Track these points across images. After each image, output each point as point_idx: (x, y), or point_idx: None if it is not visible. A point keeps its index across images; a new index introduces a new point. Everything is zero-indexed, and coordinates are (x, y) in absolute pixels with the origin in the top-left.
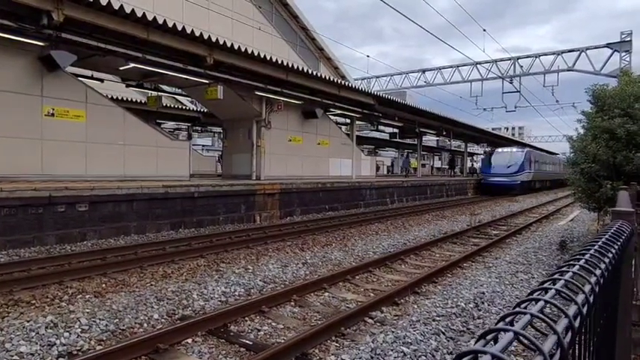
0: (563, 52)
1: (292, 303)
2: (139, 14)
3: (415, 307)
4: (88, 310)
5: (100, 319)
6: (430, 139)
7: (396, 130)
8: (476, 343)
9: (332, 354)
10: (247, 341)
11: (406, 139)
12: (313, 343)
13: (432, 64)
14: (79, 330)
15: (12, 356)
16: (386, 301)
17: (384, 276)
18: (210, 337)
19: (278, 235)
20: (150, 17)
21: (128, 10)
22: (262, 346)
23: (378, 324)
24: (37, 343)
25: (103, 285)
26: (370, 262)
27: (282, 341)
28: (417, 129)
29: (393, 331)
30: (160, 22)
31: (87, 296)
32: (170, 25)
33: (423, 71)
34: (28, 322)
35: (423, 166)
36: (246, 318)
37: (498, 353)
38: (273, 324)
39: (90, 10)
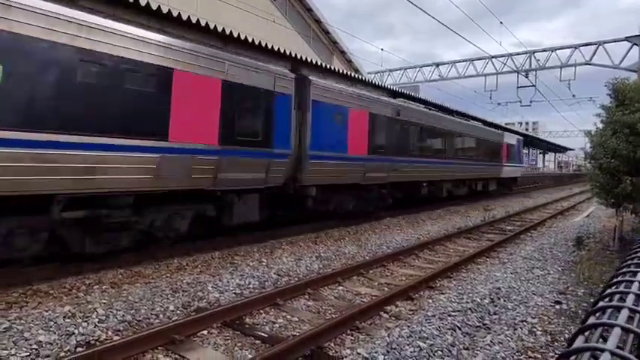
0: (580, 45)
1: (307, 296)
2: (154, 7)
3: (430, 301)
4: (104, 301)
5: (116, 309)
6: None
7: None
8: (574, 339)
9: (347, 347)
10: (262, 333)
11: None
12: (329, 337)
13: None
14: (97, 320)
15: (31, 345)
16: (400, 296)
17: (398, 270)
18: (225, 329)
19: None
20: (165, 10)
21: (143, 3)
22: (278, 339)
23: (394, 318)
24: (55, 333)
25: (119, 276)
26: (384, 256)
27: (298, 334)
28: None
29: (408, 326)
30: (175, 14)
31: (104, 287)
32: (184, 17)
33: (437, 65)
34: (46, 311)
35: None
36: (261, 310)
37: (617, 350)
38: (288, 317)
39: (101, 2)
